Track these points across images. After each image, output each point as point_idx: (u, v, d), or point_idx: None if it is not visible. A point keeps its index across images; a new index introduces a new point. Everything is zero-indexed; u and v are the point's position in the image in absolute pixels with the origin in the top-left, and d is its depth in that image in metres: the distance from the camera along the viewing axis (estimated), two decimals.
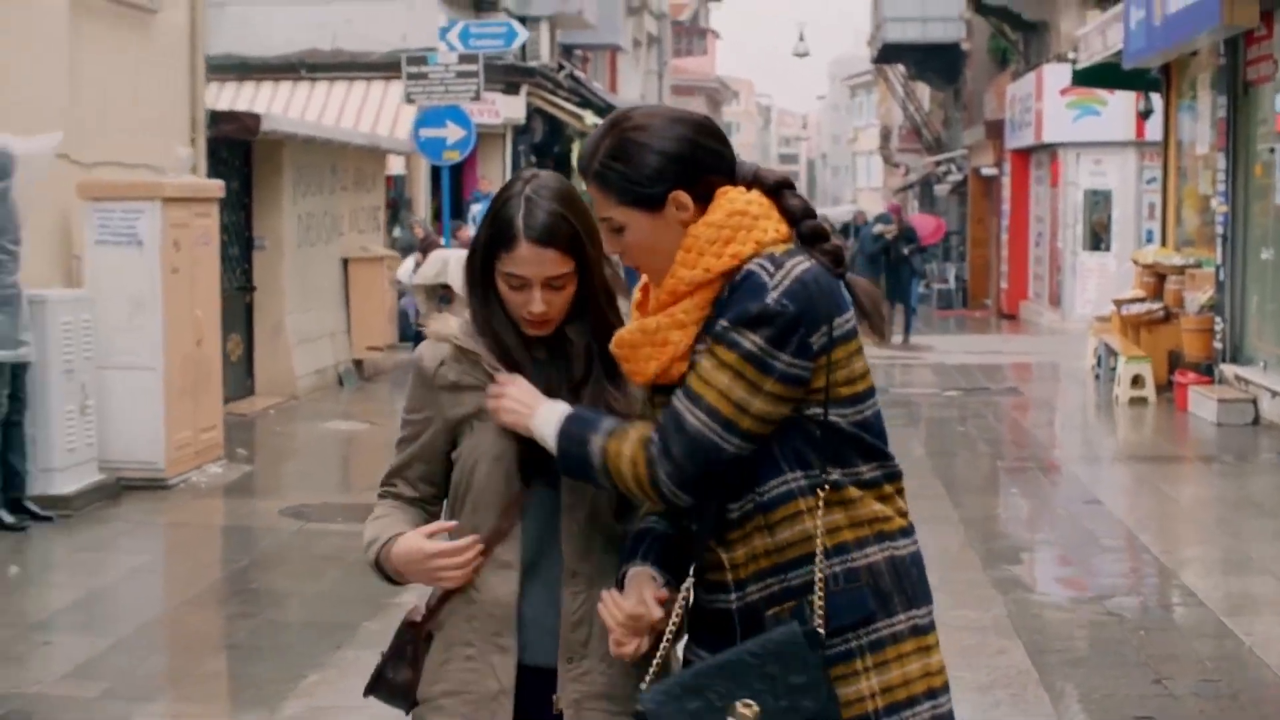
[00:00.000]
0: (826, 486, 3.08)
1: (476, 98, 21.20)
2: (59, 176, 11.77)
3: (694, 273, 3.10)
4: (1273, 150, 15.95)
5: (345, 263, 19.69)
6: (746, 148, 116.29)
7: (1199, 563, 10.16)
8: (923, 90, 51.82)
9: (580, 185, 3.43)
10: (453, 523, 3.36)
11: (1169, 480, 13.35)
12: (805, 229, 3.18)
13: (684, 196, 3.13)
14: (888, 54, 46.04)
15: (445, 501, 3.47)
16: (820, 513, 3.08)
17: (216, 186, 13.61)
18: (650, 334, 3.14)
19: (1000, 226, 35.97)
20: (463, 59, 21.23)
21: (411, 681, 3.37)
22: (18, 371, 10.71)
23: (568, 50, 37.19)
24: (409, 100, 21.56)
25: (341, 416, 16.59)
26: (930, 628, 3.16)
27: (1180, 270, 18.70)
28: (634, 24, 47.02)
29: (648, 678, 3.18)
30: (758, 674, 3.01)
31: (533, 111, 29.79)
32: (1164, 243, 21.24)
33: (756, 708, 2.98)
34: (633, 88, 47.32)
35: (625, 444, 3.12)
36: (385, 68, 26.08)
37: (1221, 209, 17.45)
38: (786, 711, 2.98)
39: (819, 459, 3.09)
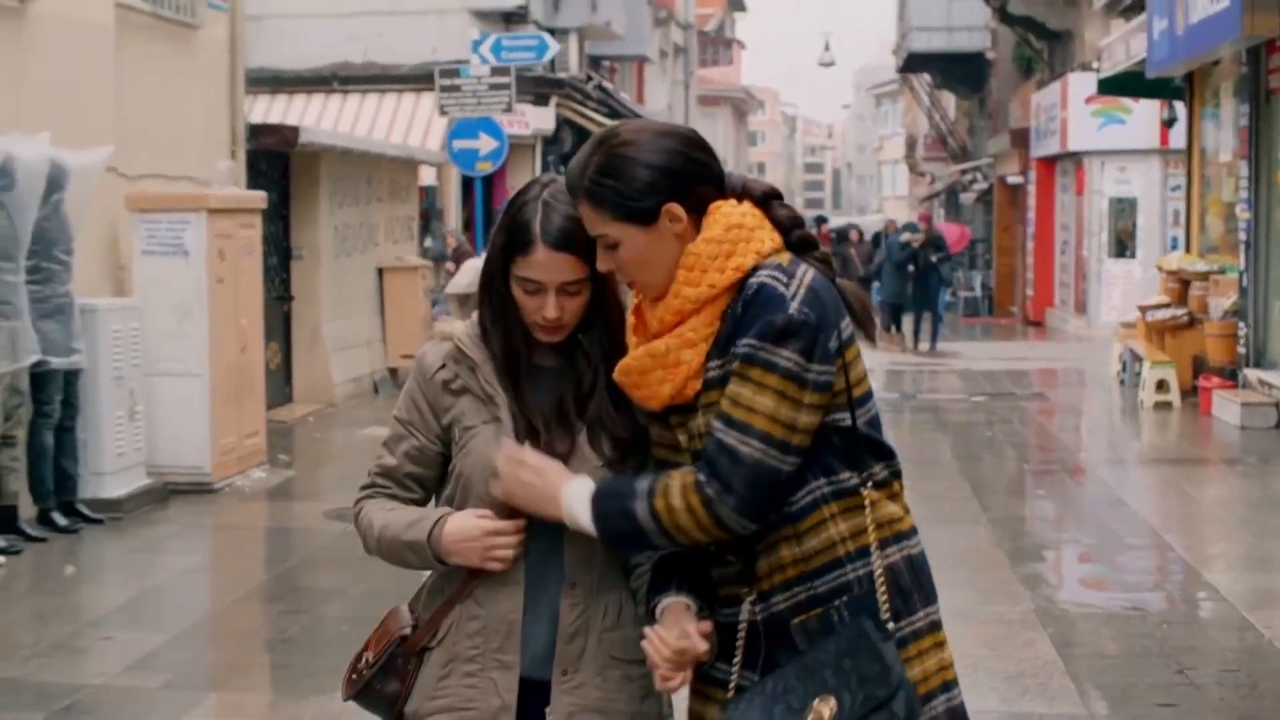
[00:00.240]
0: (852, 491, 3.12)
1: (509, 109, 21.50)
2: (106, 188, 12.09)
3: (699, 290, 3.10)
4: None
5: (380, 272, 20.03)
6: (772, 157, 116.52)
7: (1221, 560, 10.40)
8: (948, 99, 51.97)
9: None
10: (486, 510, 3.30)
11: (1193, 482, 13.58)
12: (795, 238, 3.20)
13: (677, 208, 3.13)
14: (913, 63, 46.25)
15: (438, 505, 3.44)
16: (846, 517, 3.12)
17: (259, 198, 13.93)
18: (660, 357, 3.14)
19: (1026, 234, 36.14)
20: (495, 71, 21.54)
21: (398, 694, 3.35)
22: (70, 378, 11.03)
23: (595, 61, 37.48)
24: (442, 112, 21.88)
25: (378, 423, 16.89)
26: (941, 623, 3.22)
27: (1204, 276, 18.92)
28: (660, 35, 47.32)
29: (728, 697, 3.16)
30: (833, 670, 3.02)
31: (562, 122, 30.10)
32: (1188, 249, 21.42)
33: (834, 703, 3.00)
34: (659, 98, 47.60)
35: (673, 497, 3.07)
36: (416, 80, 26.45)
37: (1244, 216, 17.66)
38: (862, 703, 2.99)
39: (841, 464, 3.13)
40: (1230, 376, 17.34)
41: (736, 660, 3.17)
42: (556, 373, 3.35)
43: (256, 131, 16.77)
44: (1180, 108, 22.29)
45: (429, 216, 26.57)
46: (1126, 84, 23.16)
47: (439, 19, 27.97)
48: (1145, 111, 27.17)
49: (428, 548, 3.27)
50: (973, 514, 11.56)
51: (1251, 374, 17.01)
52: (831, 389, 3.09)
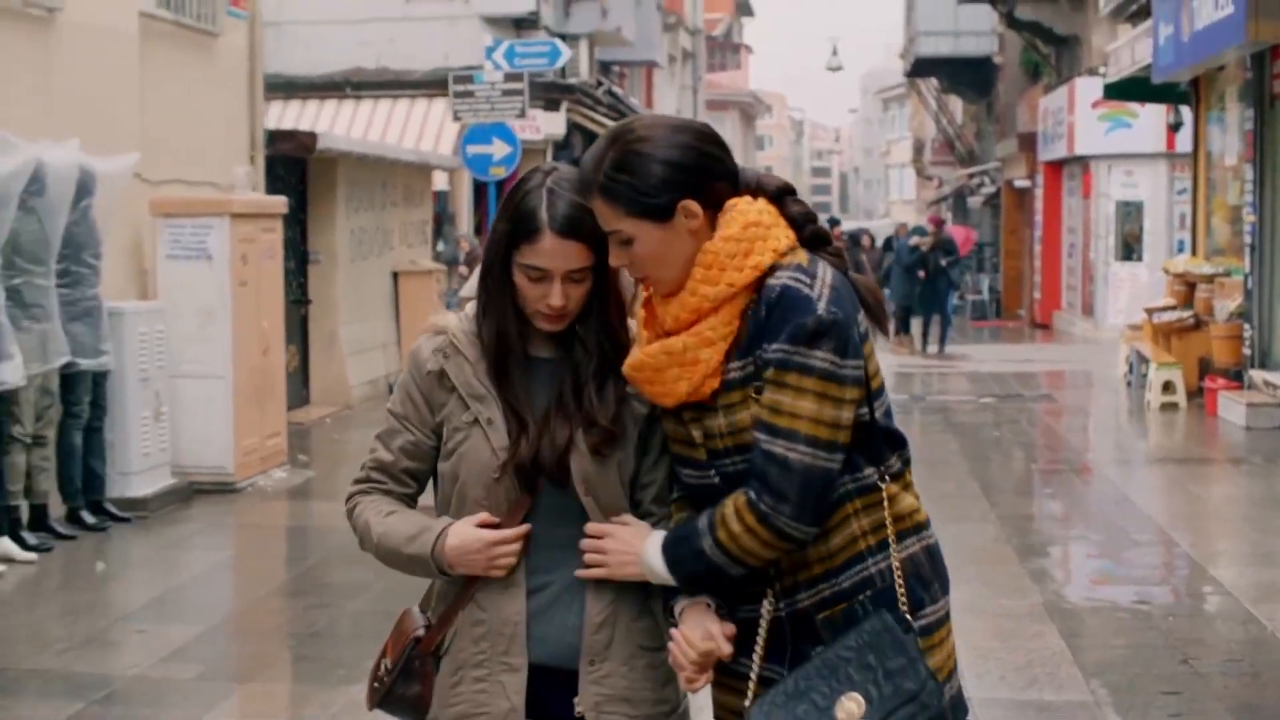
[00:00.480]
0: (872, 487, 3.16)
1: (522, 115, 21.78)
2: (130, 194, 12.32)
3: (717, 288, 3.10)
4: None
5: (395, 276, 20.27)
6: (779, 161, 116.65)
7: (1226, 556, 10.62)
8: (955, 103, 52.12)
9: None
10: (485, 515, 3.31)
11: (1198, 481, 13.79)
12: (808, 234, 3.21)
13: (693, 205, 3.12)
14: (921, 68, 46.41)
15: (436, 503, 3.44)
16: (867, 512, 3.15)
17: (281, 203, 14.18)
18: (677, 355, 3.13)
19: (1033, 238, 36.29)
20: (508, 77, 21.80)
21: (421, 695, 3.36)
22: (98, 380, 11.27)
23: (605, 67, 37.68)
24: (456, 118, 22.15)
25: None
26: (950, 613, 3.27)
27: (1210, 279, 19.13)
28: (669, 40, 47.54)
29: (748, 699, 3.18)
30: (857, 666, 3.04)
31: (572, 127, 30.29)
32: (1194, 252, 21.61)
33: (861, 700, 3.02)
34: (668, 102, 47.82)
35: (732, 523, 3.08)
36: (428, 85, 26.70)
37: (1250, 219, 17.86)
38: (891, 696, 3.01)
39: (861, 459, 3.15)
40: (1235, 378, 17.54)
41: (757, 654, 3.18)
42: (554, 364, 3.34)
43: (275, 137, 17.01)
44: (1186, 112, 22.48)
45: (441, 221, 26.80)
46: (1132, 89, 23.32)
47: (450, 25, 28.21)
48: (1151, 116, 27.31)
49: (431, 561, 3.28)
50: (981, 512, 11.77)
51: (1256, 375, 17.21)
52: (865, 382, 3.11)
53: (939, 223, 29.95)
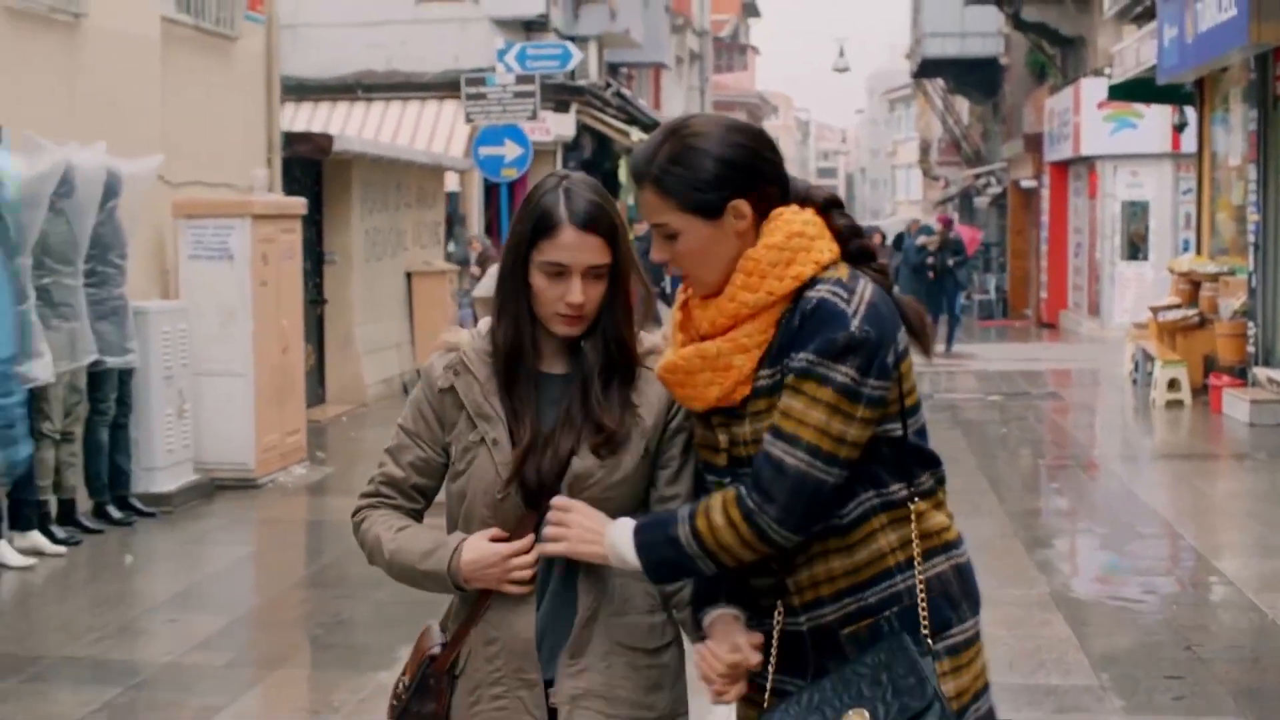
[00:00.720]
0: (900, 503, 3.14)
1: (534, 117, 21.98)
2: (152, 195, 12.55)
3: (757, 296, 3.09)
4: None
5: (409, 276, 20.50)
6: (785, 162, 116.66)
7: (1230, 548, 10.84)
8: (962, 104, 52.25)
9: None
10: (496, 530, 3.32)
11: (1203, 476, 14.01)
12: (854, 248, 3.18)
13: (744, 205, 3.11)
14: (927, 69, 46.53)
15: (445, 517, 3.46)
16: (895, 528, 3.13)
17: (300, 204, 14.42)
18: (711, 359, 3.12)
19: (1040, 238, 36.43)
20: (520, 80, 22.02)
21: (435, 713, 3.36)
22: (124, 377, 11.50)
23: (613, 68, 37.89)
24: (469, 119, 22.36)
25: None
26: (980, 632, 3.24)
27: (1214, 278, 19.34)
28: (676, 41, 47.73)
29: (765, 709, 3.18)
30: (869, 682, 3.03)
31: (582, 129, 30.51)
32: (1199, 251, 21.80)
33: (867, 715, 3.00)
34: (676, 104, 48.01)
35: (715, 514, 3.07)
36: (439, 87, 26.94)
37: (1253, 218, 18.08)
38: (898, 712, 2.99)
39: (889, 476, 3.13)
40: (1240, 375, 17.75)
41: (770, 666, 3.17)
42: (564, 381, 3.34)
43: (291, 139, 17.25)
44: (1191, 113, 22.66)
45: (452, 222, 27.02)
46: (1137, 90, 23.51)
47: (461, 27, 28.43)
48: (1157, 116, 27.41)
49: (448, 578, 3.29)
50: (990, 506, 11.99)
51: (1260, 372, 17.43)
52: (887, 404, 3.08)
53: (948, 222, 30.07)
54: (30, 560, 10.12)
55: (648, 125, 35.48)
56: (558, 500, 3.22)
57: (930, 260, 27.77)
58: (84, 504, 11.24)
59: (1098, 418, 19.04)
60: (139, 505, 11.61)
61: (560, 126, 28.89)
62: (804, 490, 3.02)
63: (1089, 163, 31.49)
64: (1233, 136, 20.11)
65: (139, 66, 13.20)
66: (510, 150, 21.77)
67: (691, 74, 53.21)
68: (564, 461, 3.27)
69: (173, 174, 13.64)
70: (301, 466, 13.79)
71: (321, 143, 17.40)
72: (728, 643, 3.12)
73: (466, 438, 3.33)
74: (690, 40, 51.86)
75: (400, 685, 3.42)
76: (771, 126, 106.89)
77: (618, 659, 3.30)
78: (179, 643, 8.35)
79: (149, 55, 13.38)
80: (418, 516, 3.45)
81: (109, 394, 11.33)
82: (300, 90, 26.46)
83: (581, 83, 30.35)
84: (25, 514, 10.41)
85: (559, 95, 28.64)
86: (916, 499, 3.16)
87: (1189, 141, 23.53)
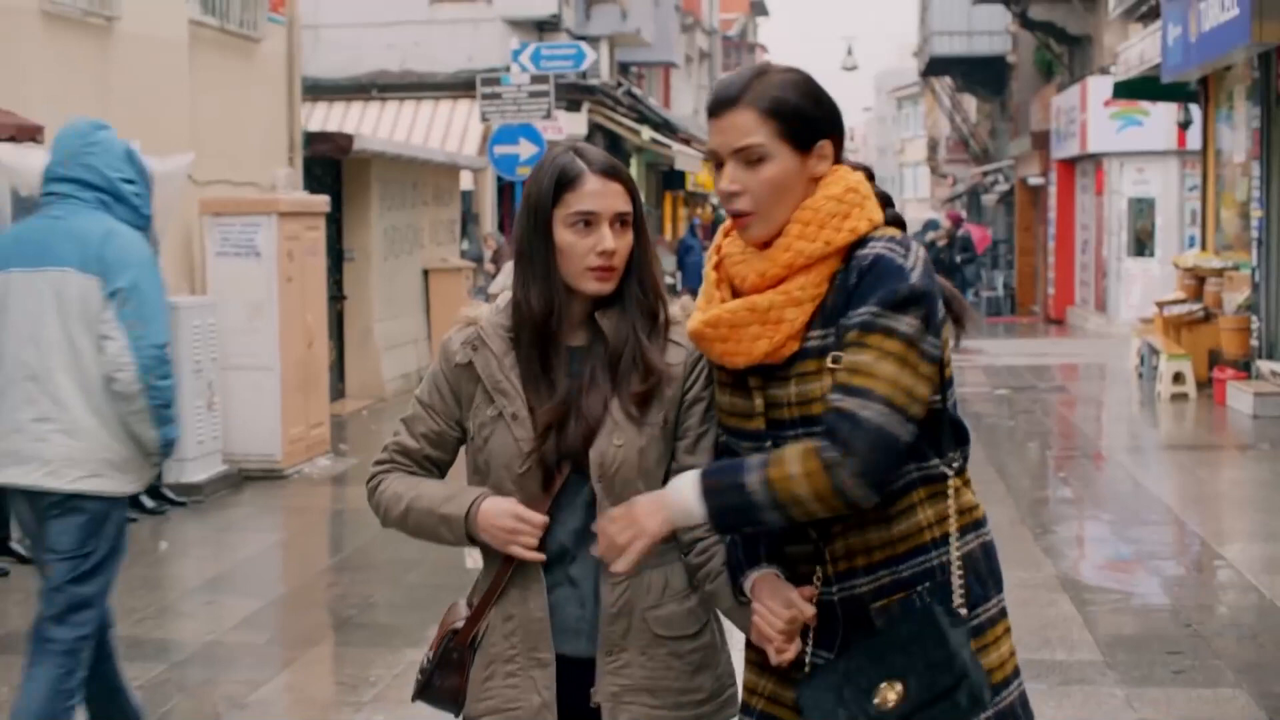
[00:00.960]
0: (938, 477, 3.11)
1: (548, 116, 22.31)
2: (181, 193, 12.87)
3: (814, 245, 3.03)
4: None
5: (426, 273, 20.85)
6: None
7: (1231, 533, 11.16)
8: (969, 102, 52.42)
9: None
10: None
11: (1206, 466, 14.32)
12: (889, 217, 3.16)
13: (828, 146, 3.10)
14: (935, 67, 46.68)
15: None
16: (932, 503, 3.10)
17: (324, 202, 14.76)
18: (762, 312, 3.04)
19: (1047, 235, 36.63)
20: (534, 79, 22.35)
21: (459, 686, 3.39)
22: None
23: (624, 67, 38.18)
24: (484, 119, 22.70)
25: None
26: (1006, 610, 3.22)
27: (1219, 273, 19.63)
28: (686, 40, 48.02)
29: (799, 677, 3.14)
30: (901, 654, 2.99)
31: (594, 128, 30.80)
32: (1204, 247, 22.07)
33: (900, 688, 2.98)
34: (685, 102, 48.32)
35: (791, 464, 2.96)
36: (452, 87, 27.28)
37: (1257, 214, 18.36)
38: (926, 689, 2.96)
39: (928, 449, 3.09)
40: (1244, 368, 18.05)
41: (810, 638, 3.14)
42: (585, 351, 3.33)
43: (312, 139, 17.60)
44: (1195, 110, 22.92)
45: (465, 220, 27.36)
46: (1143, 88, 23.76)
47: (474, 28, 28.77)
48: (1163, 114, 27.57)
49: (463, 523, 3.30)
50: (999, 495, 12.29)
51: (1264, 365, 17.73)
52: (939, 364, 3.05)
53: (957, 220, 30.26)
54: None
55: (658, 124, 35.82)
56: (598, 524, 3.14)
57: (940, 257, 27.97)
58: None
59: (1104, 410, 19.35)
60: (170, 495, 11.94)
61: (573, 125, 29.15)
62: (883, 444, 2.93)
63: (1096, 160, 31.71)
64: (1237, 133, 20.38)
65: (168, 68, 13.55)
66: (525, 149, 22.09)
67: (700, 73, 53.49)
68: (592, 427, 3.27)
69: (199, 173, 13.98)
70: (326, 458, 14.13)
71: (342, 142, 17.75)
72: (781, 598, 3.07)
73: (484, 413, 3.34)
74: (699, 39, 52.14)
75: (425, 660, 3.47)
76: None
77: (658, 650, 3.30)
78: (217, 623, 8.70)
79: (178, 57, 13.74)
80: None
81: None
82: (315, 90, 26.78)
83: (593, 82, 30.64)
84: None
85: (571, 94, 28.94)
86: (954, 476, 3.12)
87: (1194, 139, 23.75)
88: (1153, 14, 23.85)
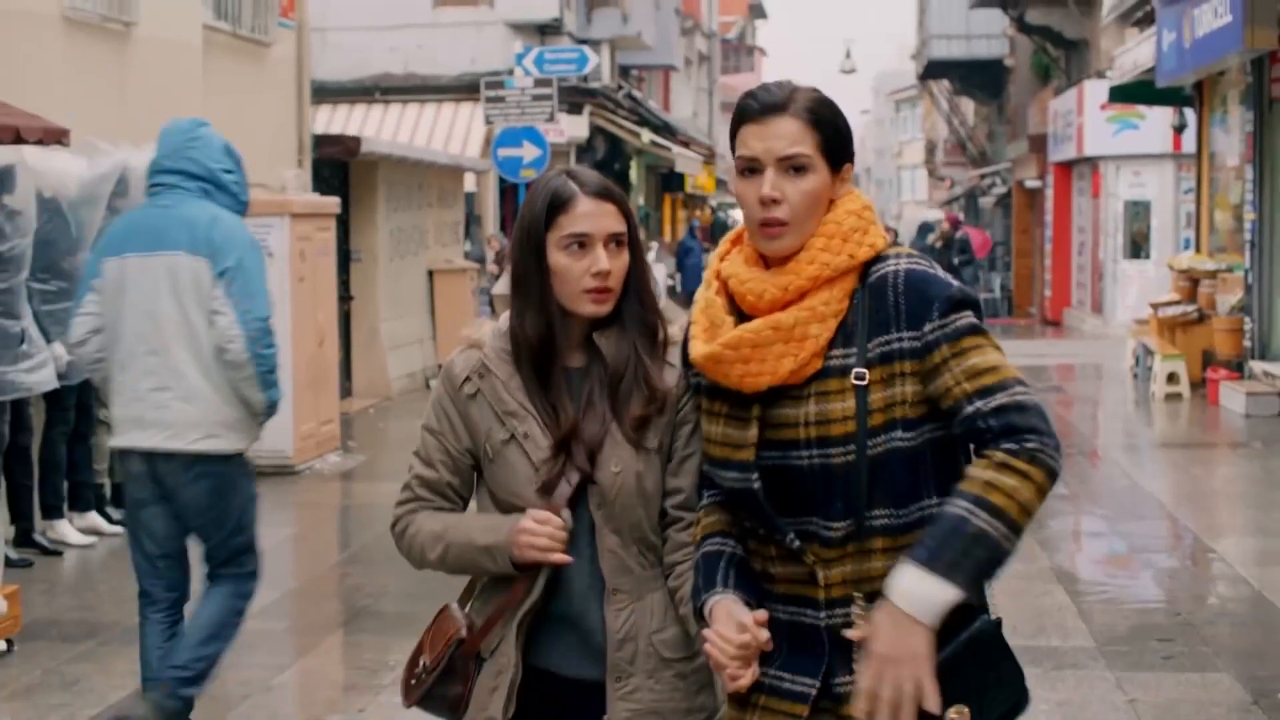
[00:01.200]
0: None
1: (551, 119, 22.59)
2: None
3: (839, 259, 3.00)
4: None
5: (430, 274, 21.12)
6: None
7: (1223, 528, 11.45)
8: (967, 105, 52.57)
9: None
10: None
11: (1199, 463, 14.60)
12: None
13: (849, 171, 3.10)
14: (933, 70, 46.89)
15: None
16: None
17: (334, 203, 15.05)
18: (787, 330, 2.98)
19: (1044, 237, 36.88)
20: (538, 83, 22.63)
21: (461, 696, 3.35)
22: None
23: (624, 70, 38.43)
24: (488, 121, 22.98)
25: None
26: None
27: (1212, 275, 19.88)
28: (685, 43, 48.28)
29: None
30: (954, 678, 2.88)
31: (595, 130, 31.05)
32: (1198, 249, 22.32)
33: (966, 710, 2.90)
34: (685, 105, 48.59)
35: (1003, 481, 2.85)
36: (455, 90, 27.55)
37: (1250, 217, 18.63)
38: (1004, 701, 2.96)
39: (950, 480, 2.98)
40: (1236, 368, 18.33)
41: (823, 668, 3.05)
42: (583, 373, 3.31)
43: (320, 142, 17.88)
44: (1190, 114, 23.17)
45: (469, 222, 27.61)
46: (1138, 92, 24.00)
47: (477, 31, 29.02)
48: (1159, 118, 27.65)
49: (507, 551, 3.25)
50: None
51: (1256, 365, 18.02)
52: None
53: (955, 222, 30.40)
54: (90, 539, 10.75)
55: (657, 127, 36.06)
56: (866, 692, 2.89)
57: (938, 259, 28.20)
58: None
59: (1100, 410, 19.62)
60: None
61: (574, 128, 29.41)
62: (1047, 414, 2.93)
63: (1092, 163, 31.91)
64: (1231, 137, 20.64)
65: (183, 71, 13.83)
66: (528, 152, 22.37)
67: (700, 75, 53.77)
68: (595, 445, 3.25)
69: None
70: (336, 455, 14.41)
71: (350, 145, 18.03)
72: (733, 624, 3.01)
73: (497, 437, 3.30)
74: (699, 42, 52.41)
75: (420, 665, 3.41)
76: None
77: (665, 672, 3.29)
78: None
79: (192, 61, 14.02)
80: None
81: None
82: (320, 93, 26.98)
83: (594, 85, 30.89)
84: (84, 496, 11.04)
85: (573, 97, 29.17)
86: None
87: (1189, 142, 23.98)
88: (1148, 19, 24.09)
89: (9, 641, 8.10)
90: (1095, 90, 29.81)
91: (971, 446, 2.97)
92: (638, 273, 3.31)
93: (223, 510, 6.24)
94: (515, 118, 22.45)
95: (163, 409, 6.06)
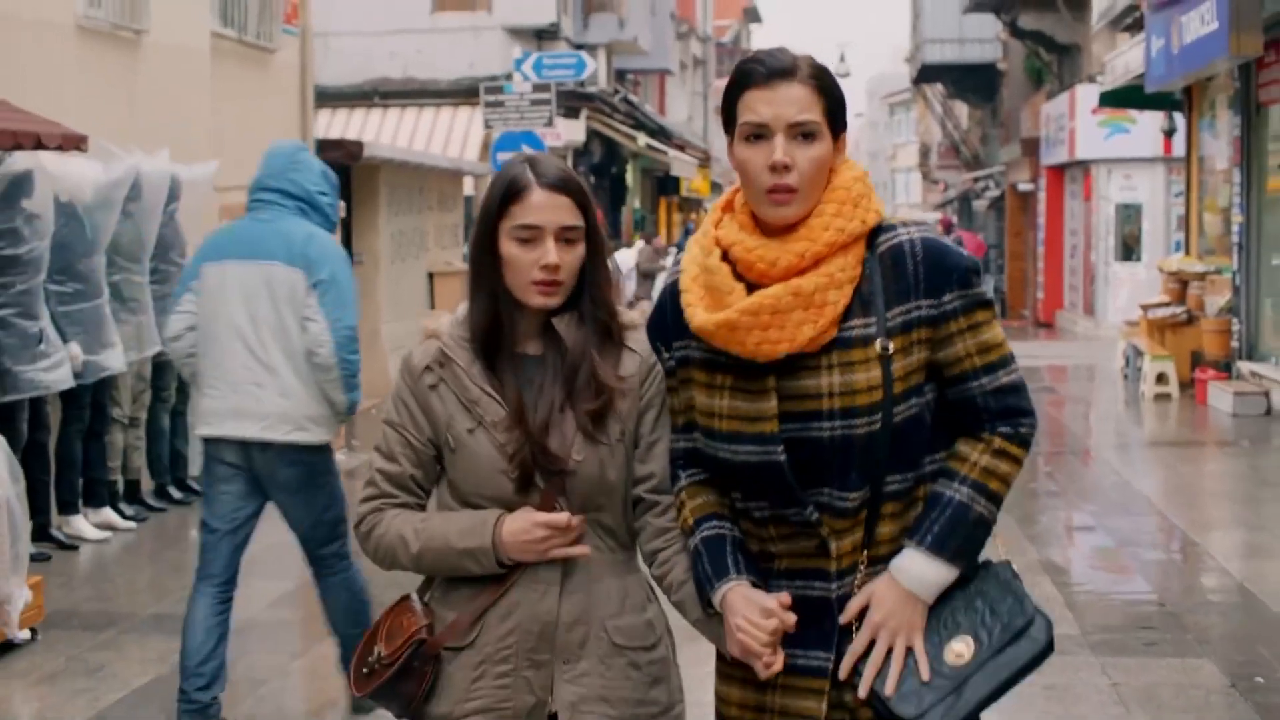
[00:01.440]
0: (932, 476, 3.13)
1: (549, 124, 22.85)
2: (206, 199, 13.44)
3: (853, 224, 3.01)
4: None
5: (431, 276, 21.38)
6: None
7: (1209, 523, 11.72)
8: (961, 108, 52.77)
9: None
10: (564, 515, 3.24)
11: (1187, 461, 14.88)
12: None
13: (844, 141, 3.10)
14: (927, 74, 47.14)
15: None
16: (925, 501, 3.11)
17: (340, 207, 15.26)
18: (807, 295, 2.97)
19: (1036, 240, 37.11)
20: (536, 88, 22.91)
21: (414, 694, 3.29)
22: None
23: (620, 75, 38.65)
24: (487, 126, 23.25)
25: None
26: None
27: (1201, 277, 20.15)
28: (681, 48, 48.50)
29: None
30: (962, 611, 3.03)
31: (591, 134, 31.29)
32: (1187, 252, 22.58)
33: (971, 640, 3.02)
34: (680, 108, 48.81)
35: (999, 467, 3.07)
36: (454, 94, 27.79)
37: (1237, 220, 18.90)
38: (1000, 634, 3.03)
39: (945, 441, 3.13)
40: (1225, 369, 18.61)
41: (832, 645, 3.09)
42: (539, 361, 3.28)
43: (323, 146, 18.13)
44: (1179, 119, 23.41)
45: (468, 225, 27.85)
46: (1129, 97, 24.24)
47: (475, 36, 29.26)
48: (1149, 122, 27.94)
49: (492, 553, 3.21)
50: None
51: (1244, 366, 18.31)
52: None
53: (948, 224, 30.56)
54: (104, 534, 11.03)
55: (653, 130, 36.31)
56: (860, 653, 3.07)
57: None
58: (146, 485, 12.10)
59: (1091, 410, 19.87)
60: (196, 486, 12.42)
61: (571, 132, 29.62)
62: (1027, 388, 3.14)
63: (1084, 166, 32.13)
64: (1219, 141, 20.86)
65: (192, 78, 14.09)
66: None
67: (695, 79, 53.98)
68: (541, 438, 3.22)
69: (219, 179, 14.48)
70: (341, 453, 14.66)
71: (352, 149, 18.28)
72: (756, 609, 3.02)
73: (460, 426, 3.25)
74: (694, 46, 52.62)
75: (375, 654, 3.35)
76: None
77: (617, 660, 3.27)
78: (254, 602, 9.21)
79: (200, 67, 14.28)
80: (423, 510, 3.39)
81: (170, 383, 12.17)
82: (320, 97, 27.19)
83: (591, 90, 31.12)
84: (98, 492, 11.31)
85: (570, 102, 29.39)
86: None
87: (1180, 146, 24.22)
88: (1138, 25, 24.29)
89: (33, 630, 8.38)
90: (1087, 94, 30.07)
91: (960, 415, 3.11)
92: (594, 268, 3.28)
93: (312, 494, 6.81)
94: (514, 122, 22.73)
95: (259, 402, 6.52)
